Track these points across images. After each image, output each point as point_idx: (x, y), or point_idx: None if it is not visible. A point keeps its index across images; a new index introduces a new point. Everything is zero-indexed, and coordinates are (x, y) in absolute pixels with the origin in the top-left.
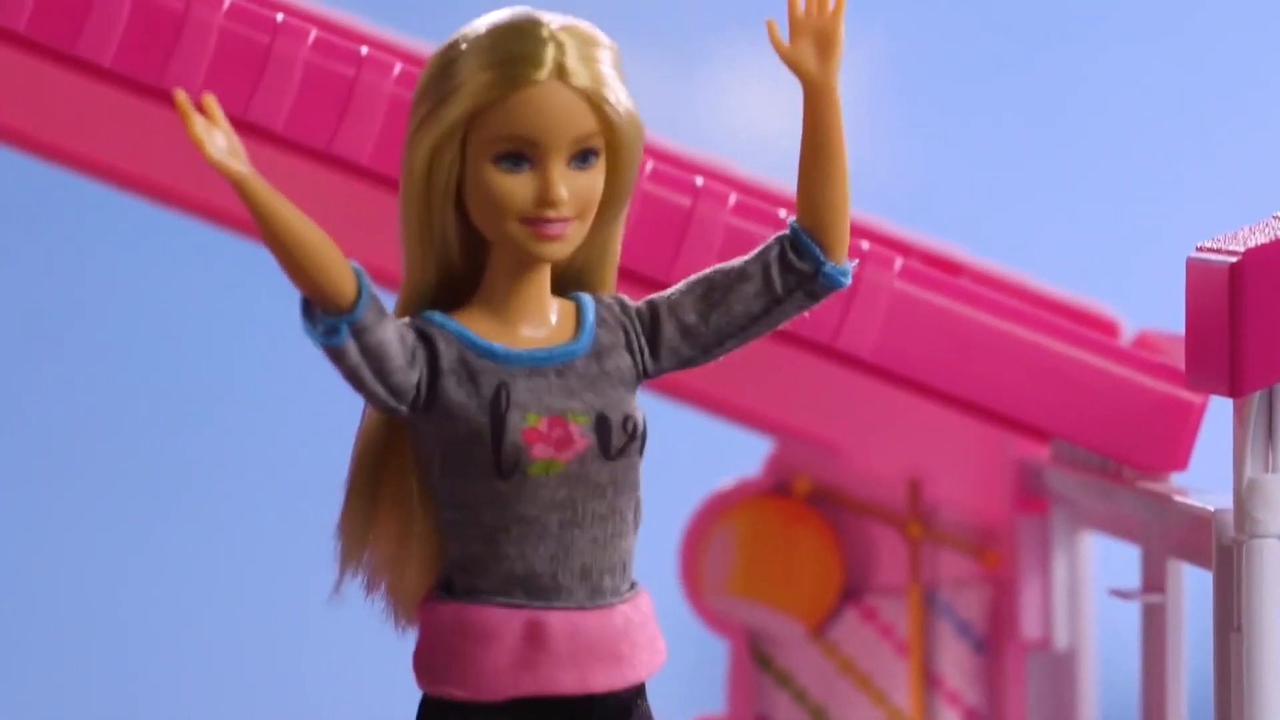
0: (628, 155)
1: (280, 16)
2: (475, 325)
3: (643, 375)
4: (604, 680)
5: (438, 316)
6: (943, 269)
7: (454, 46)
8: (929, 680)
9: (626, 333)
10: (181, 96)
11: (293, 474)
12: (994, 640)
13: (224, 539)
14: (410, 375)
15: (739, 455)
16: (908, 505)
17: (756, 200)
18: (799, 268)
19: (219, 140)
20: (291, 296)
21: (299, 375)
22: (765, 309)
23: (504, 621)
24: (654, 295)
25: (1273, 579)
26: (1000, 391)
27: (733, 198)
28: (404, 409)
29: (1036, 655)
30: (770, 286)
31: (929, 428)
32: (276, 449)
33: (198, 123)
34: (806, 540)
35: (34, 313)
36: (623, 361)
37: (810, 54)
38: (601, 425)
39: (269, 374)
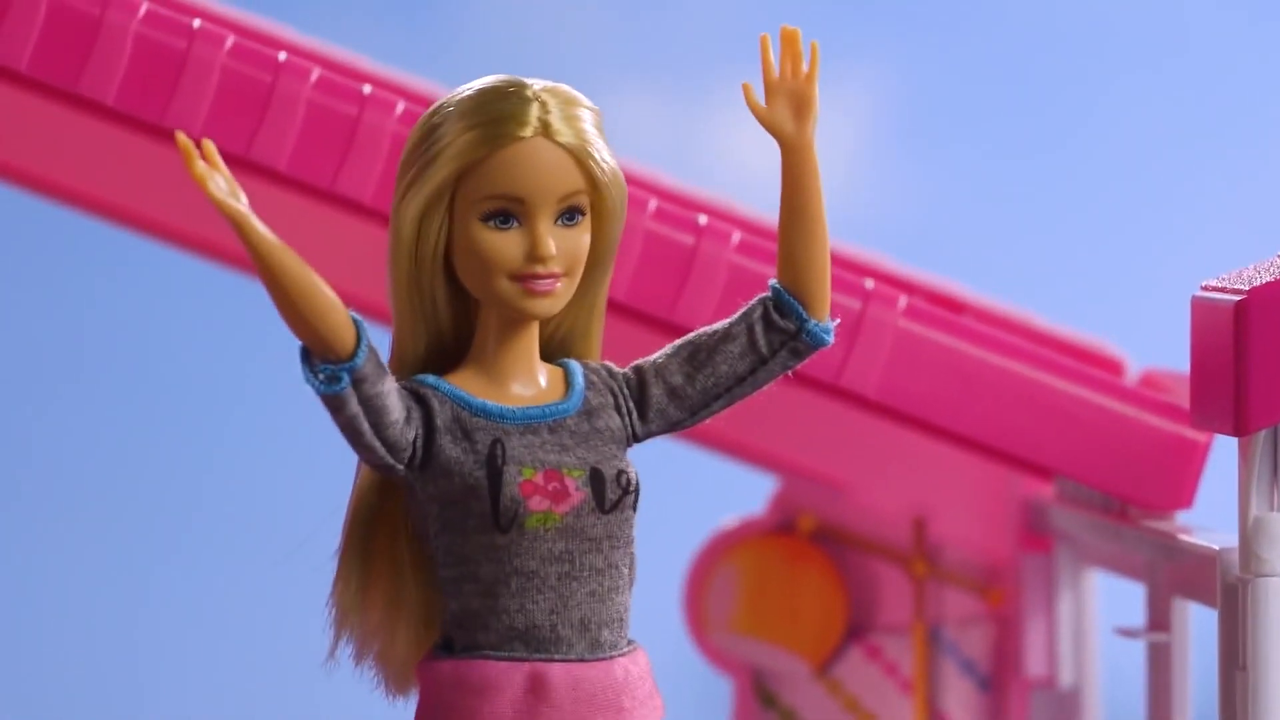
0: (612, 215)
1: (283, 55)
2: (467, 385)
3: (632, 438)
4: None
5: (430, 379)
6: (946, 307)
7: (437, 112)
8: (934, 718)
9: (615, 395)
10: (183, 137)
11: (292, 489)
12: (999, 678)
13: (227, 554)
14: (407, 432)
15: (743, 493)
16: (912, 543)
17: (760, 239)
18: (782, 326)
19: (220, 181)
20: (286, 332)
21: (297, 400)
22: (751, 369)
23: (506, 674)
24: (639, 361)
25: (1278, 618)
26: (1004, 430)
27: (736, 236)
28: (400, 467)
29: (1041, 694)
30: (755, 346)
31: (933, 466)
32: (277, 465)
33: (199, 163)
34: (811, 578)
35: (36, 347)
36: (613, 421)
37: (786, 116)
38: (596, 479)
39: (267, 402)
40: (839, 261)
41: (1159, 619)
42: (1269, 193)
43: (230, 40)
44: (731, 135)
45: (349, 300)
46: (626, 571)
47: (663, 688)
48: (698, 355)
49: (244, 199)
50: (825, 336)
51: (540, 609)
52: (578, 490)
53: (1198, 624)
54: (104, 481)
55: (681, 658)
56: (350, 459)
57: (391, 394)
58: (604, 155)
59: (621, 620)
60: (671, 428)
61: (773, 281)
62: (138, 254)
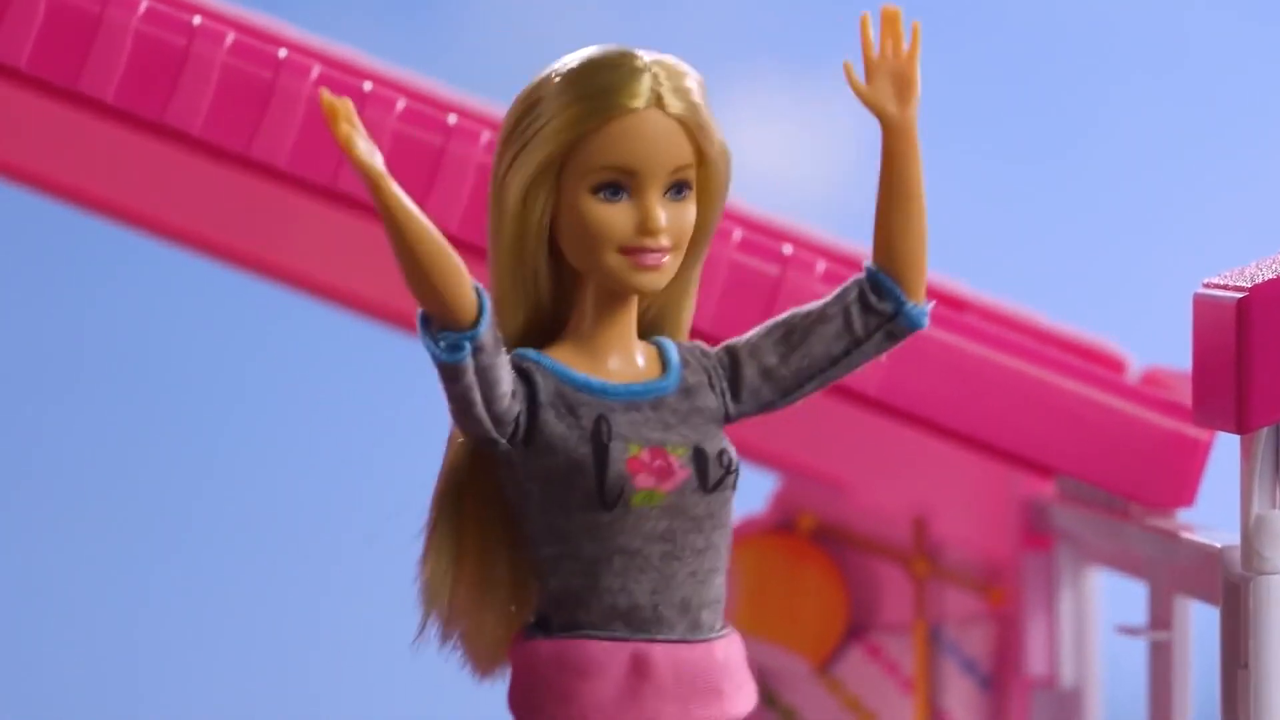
0: (717, 189)
1: (283, 52)
2: (566, 360)
3: (725, 418)
4: (704, 715)
5: (531, 353)
6: (949, 305)
7: (543, 84)
8: (935, 718)
9: (709, 375)
10: (327, 95)
11: (293, 489)
12: (1000, 678)
13: (228, 554)
14: (514, 406)
15: (744, 492)
16: (913, 542)
17: (760, 236)
18: (879, 308)
19: (362, 142)
20: (287, 331)
21: (298, 399)
22: (845, 350)
23: (609, 655)
24: (731, 340)
25: (1279, 616)
26: (1006, 428)
27: (738, 234)
28: (502, 441)
29: (1042, 693)
30: (851, 328)
31: (935, 465)
32: (278, 465)
33: (344, 124)
34: (811, 577)
35: (35, 345)
36: (710, 401)
37: (888, 95)
38: (699, 458)
39: (268, 401)
40: (840, 260)
41: (1160, 617)
42: (1270, 191)
43: (230, 37)
44: (731, 135)
45: (351, 298)
46: (724, 553)
47: None
48: (792, 336)
49: (380, 159)
50: (922, 319)
51: (642, 589)
52: (682, 468)
53: (1199, 622)
54: (104, 481)
55: None
56: (352, 458)
57: (505, 366)
58: (714, 127)
59: (719, 602)
60: (763, 409)
61: (869, 263)
62: (137, 252)
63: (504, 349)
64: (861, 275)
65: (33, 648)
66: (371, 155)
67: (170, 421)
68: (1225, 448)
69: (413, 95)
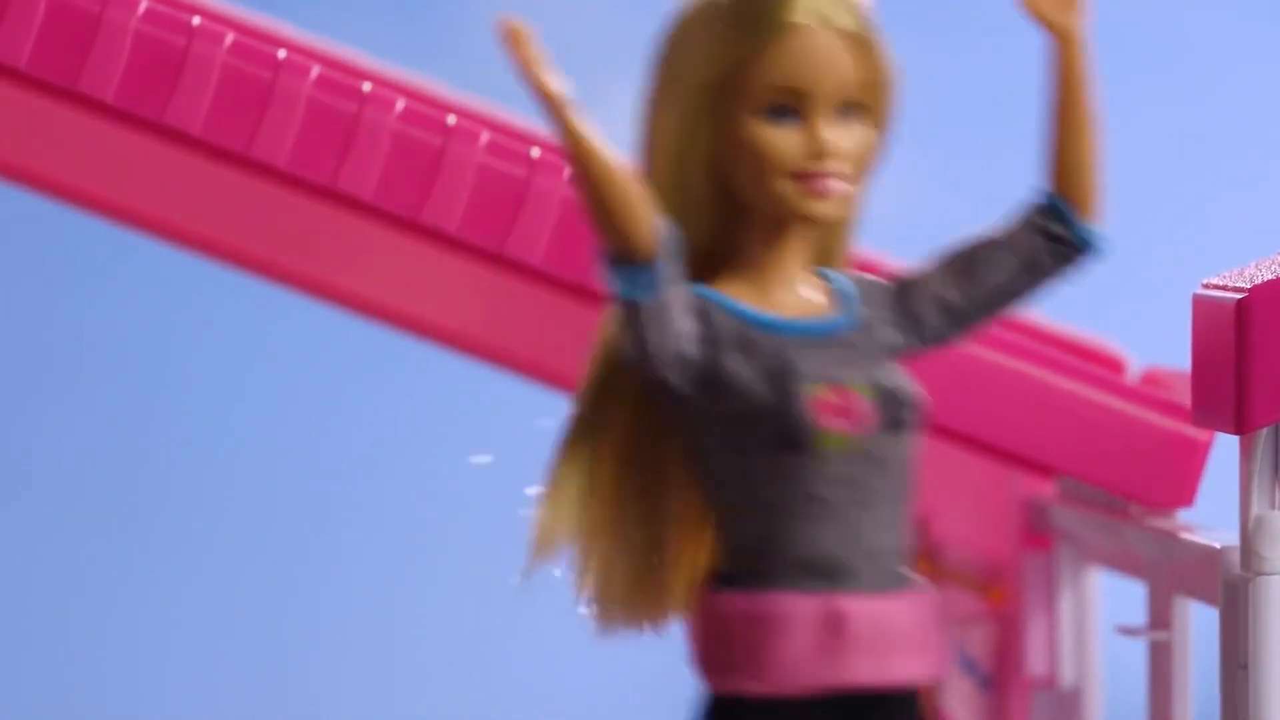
0: (886, 111)
1: (283, 53)
2: (738, 296)
3: (903, 354)
4: (904, 670)
5: (703, 290)
6: None
7: (696, 8)
8: (934, 717)
9: (886, 309)
10: (506, 20)
11: (294, 489)
12: (1000, 677)
13: (228, 555)
14: (692, 344)
15: None
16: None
17: None
18: (1056, 233)
19: (542, 66)
20: (287, 331)
21: (298, 398)
22: (1023, 279)
23: (800, 608)
24: (904, 273)
25: (1279, 616)
26: (1006, 428)
27: None
28: (680, 379)
29: (1042, 693)
30: (1028, 255)
31: (935, 465)
32: (278, 465)
33: (527, 47)
34: None
35: (34, 346)
36: (889, 336)
37: (1054, 3)
38: (885, 397)
39: (268, 401)
40: None
41: (1160, 617)
42: (1271, 191)
43: (230, 37)
44: None
45: (351, 298)
46: (909, 498)
47: (664, 688)
48: (969, 267)
49: (560, 84)
50: (1099, 242)
51: (831, 538)
52: (868, 408)
53: (1199, 622)
54: (105, 481)
55: (681, 656)
56: (352, 458)
57: (683, 303)
58: (883, 45)
59: (909, 550)
60: (940, 343)
61: (1041, 188)
62: (137, 252)
63: (681, 283)
64: (1036, 200)
65: (33, 648)
66: (552, 81)
67: (170, 422)
68: (1225, 448)
69: (413, 95)
